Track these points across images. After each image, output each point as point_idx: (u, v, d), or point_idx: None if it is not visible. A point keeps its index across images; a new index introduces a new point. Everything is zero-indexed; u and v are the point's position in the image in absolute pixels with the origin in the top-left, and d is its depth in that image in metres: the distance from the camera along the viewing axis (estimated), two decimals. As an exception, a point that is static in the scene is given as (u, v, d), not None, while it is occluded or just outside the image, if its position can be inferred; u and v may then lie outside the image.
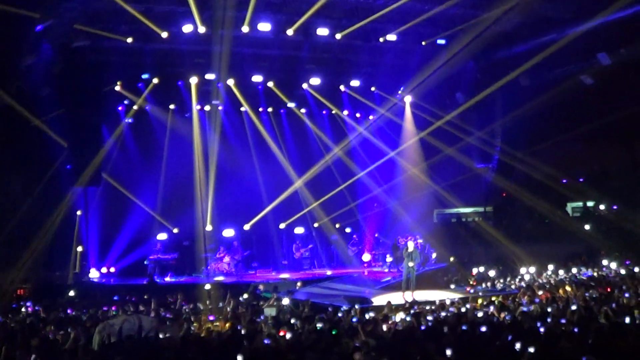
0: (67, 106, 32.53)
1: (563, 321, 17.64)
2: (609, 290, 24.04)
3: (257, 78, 36.43)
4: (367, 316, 21.39)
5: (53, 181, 33.49)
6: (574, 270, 31.66)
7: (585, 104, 35.98)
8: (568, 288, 25.17)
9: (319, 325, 18.85)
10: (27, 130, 31.36)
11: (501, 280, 30.90)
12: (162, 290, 30.70)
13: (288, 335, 17.23)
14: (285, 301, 23.99)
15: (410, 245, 28.79)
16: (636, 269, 29.88)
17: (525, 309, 20.94)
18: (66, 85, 32.35)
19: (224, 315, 22.74)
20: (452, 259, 35.30)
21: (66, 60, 32.10)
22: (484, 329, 16.81)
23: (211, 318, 21.96)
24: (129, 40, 31.88)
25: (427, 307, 23.19)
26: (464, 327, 17.22)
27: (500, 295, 25.83)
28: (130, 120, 37.01)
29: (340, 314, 21.95)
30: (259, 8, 30.75)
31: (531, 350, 13.80)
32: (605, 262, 32.95)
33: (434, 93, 38.26)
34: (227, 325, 20.41)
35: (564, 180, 41.25)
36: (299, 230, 40.91)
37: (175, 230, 37.77)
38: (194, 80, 35.66)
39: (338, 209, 40.66)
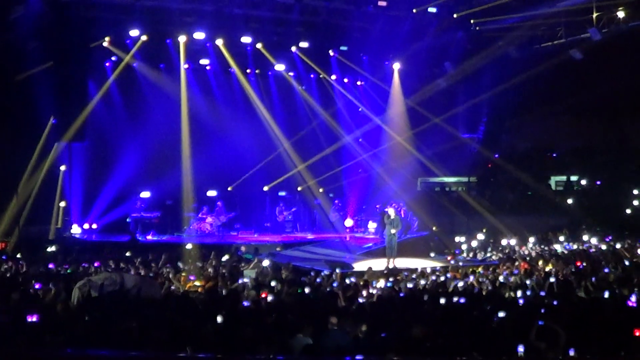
0: (54, 60, 32.35)
1: (542, 294, 17.77)
2: (588, 264, 24.14)
3: (246, 39, 36.21)
4: (347, 281, 21.49)
5: (37, 135, 33.42)
6: (555, 244, 31.77)
7: (573, 78, 36.10)
8: (548, 261, 25.27)
9: (300, 288, 18.93)
10: (13, 84, 31.21)
11: (482, 251, 31.03)
12: (144, 248, 30.71)
13: (269, 298, 17.29)
14: (266, 263, 24.00)
15: (392, 212, 28.81)
16: (617, 245, 30.01)
17: (504, 280, 21.07)
18: (54, 39, 32.14)
19: (205, 275, 22.78)
20: (434, 228, 35.34)
21: (55, 13, 31.86)
22: (463, 298, 16.90)
23: (192, 278, 22.02)
24: (120, -5, 31.80)
25: (408, 275, 23.22)
26: (443, 296, 17.31)
27: (480, 266, 25.88)
28: (117, 77, 36.70)
29: (319, 279, 22.02)
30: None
31: (502, 315, 13.95)
32: (586, 237, 33.06)
33: (422, 61, 38.22)
34: (208, 285, 20.47)
35: (549, 154, 41.41)
36: (283, 193, 40.95)
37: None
38: (182, 39, 35.41)
39: (322, 174, 40.61)
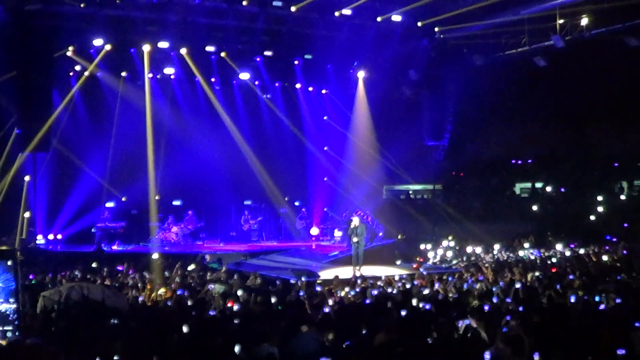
0: (17, 70, 32.16)
1: (508, 300, 17.86)
2: (553, 271, 24.29)
3: (210, 48, 36.18)
4: (313, 290, 21.50)
5: (1, 146, 33.24)
6: (520, 251, 31.93)
7: (537, 85, 36.34)
8: (513, 268, 25.38)
9: (266, 297, 18.94)
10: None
11: (448, 258, 31.13)
12: (109, 258, 30.62)
13: (235, 307, 17.28)
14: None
15: (356, 220, 28.82)
16: (581, 251, 30.22)
17: (469, 287, 21.15)
18: (17, 48, 31.98)
19: (170, 285, 22.73)
20: (400, 235, 35.39)
21: (18, 23, 31.68)
22: (429, 306, 16.96)
23: (159, 288, 21.96)
24: (82, 5, 31.56)
25: (374, 283, 23.26)
26: (408, 303, 17.37)
27: (446, 273, 25.95)
28: (81, 87, 36.57)
29: (286, 287, 22.02)
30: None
31: (474, 325, 14.01)
32: (551, 243, 33.24)
33: (387, 70, 38.29)
34: (174, 295, 20.43)
35: (514, 161, 41.63)
36: (248, 202, 40.90)
37: (124, 199, 37.65)
38: (146, 48, 35.28)
39: (288, 182, 40.61)
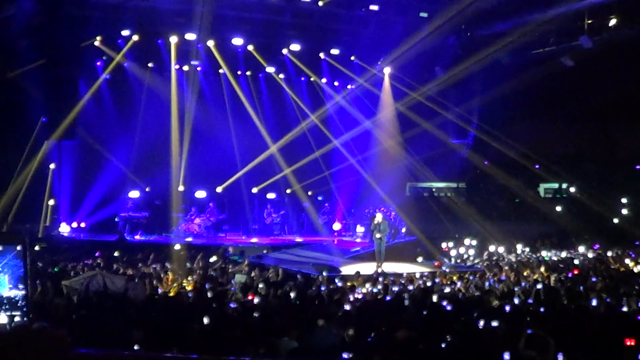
0: (45, 59, 32.35)
1: (530, 301, 17.78)
2: (576, 272, 24.16)
3: (237, 41, 36.22)
4: (334, 285, 21.49)
5: (28, 133, 33.39)
6: (543, 251, 31.79)
7: (564, 85, 36.12)
8: (535, 269, 25.30)
9: (286, 291, 18.94)
10: (3, 81, 31.17)
11: (470, 257, 31.04)
12: (132, 248, 30.69)
13: (256, 300, 17.29)
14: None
15: (379, 217, 28.80)
16: (605, 253, 30.04)
17: (490, 287, 21.07)
18: (45, 37, 32.13)
19: (192, 276, 22.75)
20: (421, 233, 35.31)
21: (46, 12, 31.82)
22: (449, 304, 16.90)
23: (181, 279, 22.00)
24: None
25: (395, 280, 23.21)
26: (429, 301, 17.33)
27: (467, 272, 25.86)
28: (108, 76, 36.84)
29: (307, 282, 22.01)
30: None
31: (494, 324, 13.95)
32: (574, 245, 33.09)
33: (413, 66, 38.12)
34: (195, 286, 20.45)
35: (538, 161, 41.44)
36: (271, 195, 40.93)
37: (148, 189, 37.75)
38: (174, 40, 35.42)
39: (311, 177, 40.67)
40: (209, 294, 18.41)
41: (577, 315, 15.25)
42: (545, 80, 35.01)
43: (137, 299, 17.32)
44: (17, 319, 11.56)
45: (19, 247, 11.77)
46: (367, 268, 26.31)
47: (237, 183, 39.29)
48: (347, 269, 26.26)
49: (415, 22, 35.42)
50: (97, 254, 26.97)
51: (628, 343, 12.28)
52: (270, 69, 38.99)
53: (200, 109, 38.02)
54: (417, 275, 24.23)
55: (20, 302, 11.68)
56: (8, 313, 11.63)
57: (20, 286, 11.71)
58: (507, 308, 16.31)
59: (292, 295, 18.59)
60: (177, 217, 36.67)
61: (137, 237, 35.66)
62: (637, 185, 39.51)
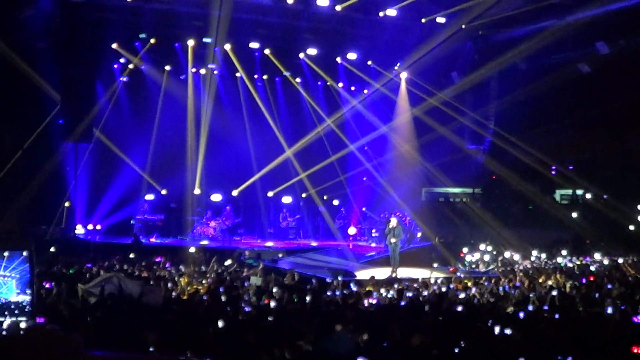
0: (63, 61, 32.54)
1: (545, 307, 17.75)
2: (591, 279, 24.08)
3: (254, 44, 36.33)
4: (349, 289, 21.49)
5: (44, 135, 33.49)
6: (558, 258, 31.70)
7: (580, 91, 36.01)
8: (551, 275, 25.24)
9: (302, 295, 18.95)
10: (21, 82, 31.29)
11: (485, 263, 30.98)
12: (147, 250, 30.77)
13: (272, 304, 17.32)
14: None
15: (394, 221, 28.78)
16: (620, 260, 29.92)
17: (505, 293, 21.04)
18: (63, 39, 32.32)
19: (206, 279, 22.79)
20: (437, 238, 35.24)
21: (65, 14, 32.06)
22: (464, 310, 16.89)
23: (195, 282, 22.04)
24: (129, -2, 31.92)
25: (410, 285, 23.20)
26: (444, 307, 17.32)
27: (482, 278, 25.82)
28: (125, 79, 37.05)
29: (322, 286, 22.02)
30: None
31: (508, 332, 13.93)
32: (590, 251, 32.97)
33: (430, 71, 38.11)
34: (209, 289, 20.47)
35: (555, 167, 41.33)
36: (287, 199, 40.95)
37: (164, 192, 37.84)
38: (191, 43, 35.56)
39: (327, 181, 40.62)
40: (223, 298, 18.44)
41: (591, 322, 15.21)
42: (562, 86, 34.92)
43: (152, 301, 17.32)
44: (23, 324, 11.60)
45: (25, 253, 11.82)
46: (382, 273, 26.28)
47: (253, 187, 39.36)
48: (362, 274, 26.23)
49: (432, 28, 35.45)
50: (116, 257, 27.11)
51: (635, 351, 12.27)
52: (287, 73, 39.06)
53: (217, 113, 38.03)
54: (432, 281, 24.19)
55: (27, 307, 11.74)
56: (15, 318, 11.68)
57: (28, 291, 11.78)
58: (521, 315, 16.29)
59: (308, 299, 18.61)
60: (192, 220, 36.74)
61: (153, 239, 35.70)
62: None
